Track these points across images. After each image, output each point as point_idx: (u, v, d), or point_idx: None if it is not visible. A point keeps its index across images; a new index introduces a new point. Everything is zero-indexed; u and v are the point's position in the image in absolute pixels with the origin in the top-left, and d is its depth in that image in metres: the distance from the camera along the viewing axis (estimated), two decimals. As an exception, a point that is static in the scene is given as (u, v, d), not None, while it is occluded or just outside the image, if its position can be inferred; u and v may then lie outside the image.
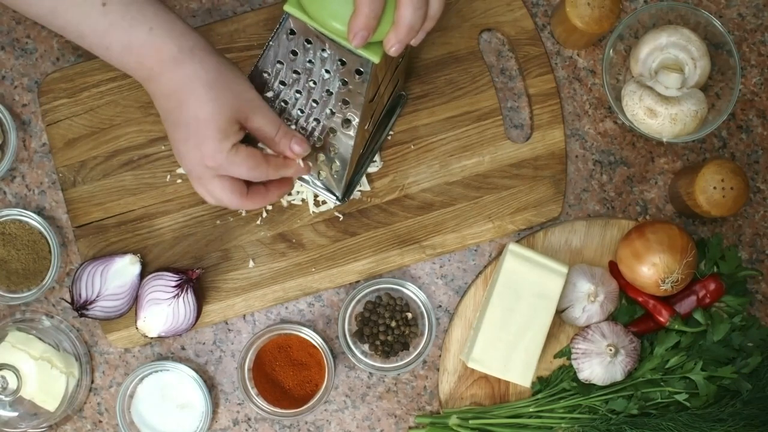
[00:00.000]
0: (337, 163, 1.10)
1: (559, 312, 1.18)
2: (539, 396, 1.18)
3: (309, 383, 1.18)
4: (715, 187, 1.14)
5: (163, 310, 1.14)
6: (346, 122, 1.04)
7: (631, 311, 1.19)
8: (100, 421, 1.20)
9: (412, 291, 1.17)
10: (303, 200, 1.19)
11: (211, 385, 1.20)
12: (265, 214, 1.19)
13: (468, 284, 1.21)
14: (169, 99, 0.99)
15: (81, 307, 1.14)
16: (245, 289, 1.19)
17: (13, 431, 1.16)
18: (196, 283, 1.15)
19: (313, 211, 1.19)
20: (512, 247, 1.15)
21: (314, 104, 1.04)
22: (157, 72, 0.98)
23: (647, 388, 1.15)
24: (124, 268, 1.15)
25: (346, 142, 1.06)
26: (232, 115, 0.99)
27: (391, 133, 1.20)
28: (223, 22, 1.20)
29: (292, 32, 0.98)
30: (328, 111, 1.04)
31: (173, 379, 1.18)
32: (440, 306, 1.21)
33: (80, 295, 1.14)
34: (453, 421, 1.16)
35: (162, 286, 1.14)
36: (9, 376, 1.15)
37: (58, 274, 1.18)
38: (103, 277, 1.14)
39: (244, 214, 1.19)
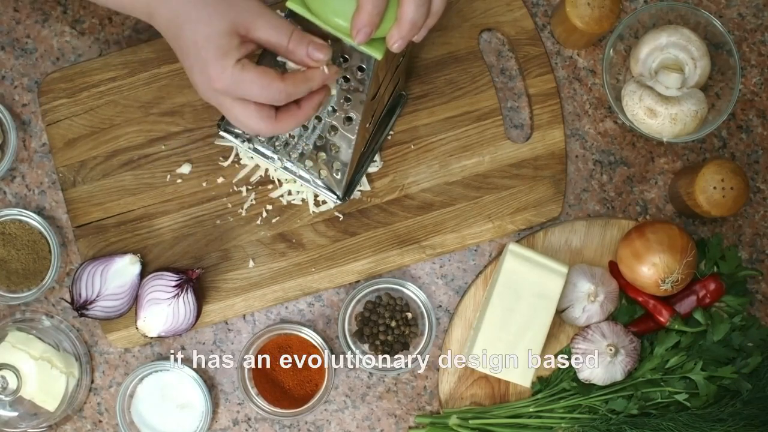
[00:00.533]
0: (338, 162, 1.10)
1: (559, 312, 1.18)
2: (539, 396, 1.18)
3: (309, 383, 1.18)
4: (715, 187, 1.14)
5: (163, 310, 1.14)
6: (348, 120, 1.04)
7: (631, 311, 1.19)
8: (100, 421, 1.20)
9: (412, 291, 1.17)
10: (303, 200, 1.19)
11: (211, 385, 1.20)
12: (265, 214, 1.19)
13: (468, 284, 1.21)
14: (169, 31, 0.96)
15: (81, 307, 1.14)
16: (245, 289, 1.19)
17: (13, 431, 1.15)
18: (196, 283, 1.15)
19: (313, 211, 1.19)
20: (512, 247, 1.15)
21: (315, 102, 1.04)
22: (153, 8, 0.96)
23: (647, 388, 1.15)
24: (124, 268, 1.15)
25: (347, 140, 1.06)
26: (230, 28, 0.93)
27: (391, 132, 1.20)
28: (223, 22, 1.20)
29: None
30: (329, 108, 1.04)
31: (173, 379, 1.18)
32: (440, 306, 1.21)
33: (80, 295, 1.14)
34: (453, 421, 1.16)
35: (162, 286, 1.14)
36: (9, 376, 1.14)
37: (58, 274, 1.18)
38: (103, 277, 1.14)
39: (244, 213, 1.19)
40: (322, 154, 1.10)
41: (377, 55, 0.94)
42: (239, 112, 0.96)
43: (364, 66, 0.97)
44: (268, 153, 1.14)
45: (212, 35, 0.93)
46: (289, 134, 1.11)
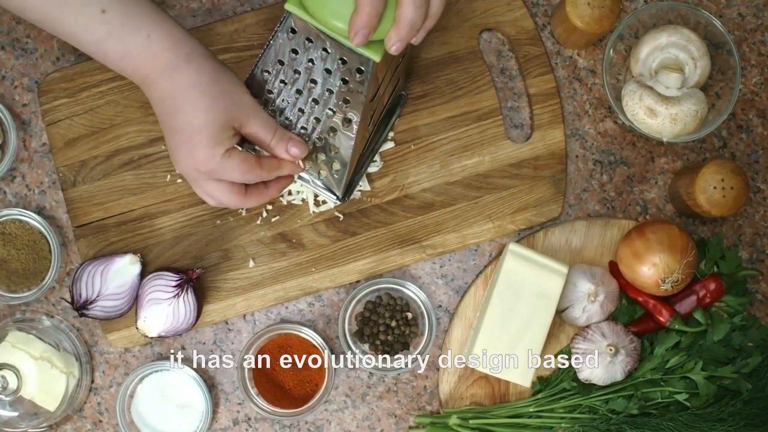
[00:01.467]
0: (338, 162, 1.10)
1: (559, 312, 1.18)
2: (539, 396, 1.18)
3: (309, 383, 1.18)
4: (715, 187, 1.14)
5: (163, 309, 1.14)
6: (347, 121, 1.04)
7: (631, 311, 1.19)
8: (100, 421, 1.20)
9: (412, 291, 1.17)
10: (303, 200, 1.19)
11: (211, 385, 1.20)
12: (265, 214, 1.19)
13: (468, 284, 1.21)
14: (164, 104, 0.99)
15: (81, 307, 1.14)
16: (245, 288, 1.19)
17: (13, 431, 1.16)
18: (197, 282, 1.15)
19: (313, 211, 1.19)
20: (512, 247, 1.15)
21: (314, 103, 1.04)
22: (153, 78, 0.99)
23: (647, 388, 1.15)
24: (124, 268, 1.15)
25: (346, 141, 1.06)
26: (226, 122, 0.99)
27: (391, 133, 1.20)
28: (223, 22, 1.20)
29: (293, 31, 0.98)
30: (328, 110, 1.04)
31: (173, 379, 1.18)
32: (440, 306, 1.21)
33: (80, 294, 1.14)
34: (453, 421, 1.16)
35: (162, 285, 1.14)
36: (9, 376, 1.15)
37: (58, 273, 1.18)
38: (104, 276, 1.14)
39: (244, 213, 1.19)
40: (322, 155, 1.10)
41: (375, 57, 0.94)
42: (213, 189, 1.03)
43: (363, 68, 0.97)
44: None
45: (208, 124, 0.98)
46: (290, 134, 1.11)
